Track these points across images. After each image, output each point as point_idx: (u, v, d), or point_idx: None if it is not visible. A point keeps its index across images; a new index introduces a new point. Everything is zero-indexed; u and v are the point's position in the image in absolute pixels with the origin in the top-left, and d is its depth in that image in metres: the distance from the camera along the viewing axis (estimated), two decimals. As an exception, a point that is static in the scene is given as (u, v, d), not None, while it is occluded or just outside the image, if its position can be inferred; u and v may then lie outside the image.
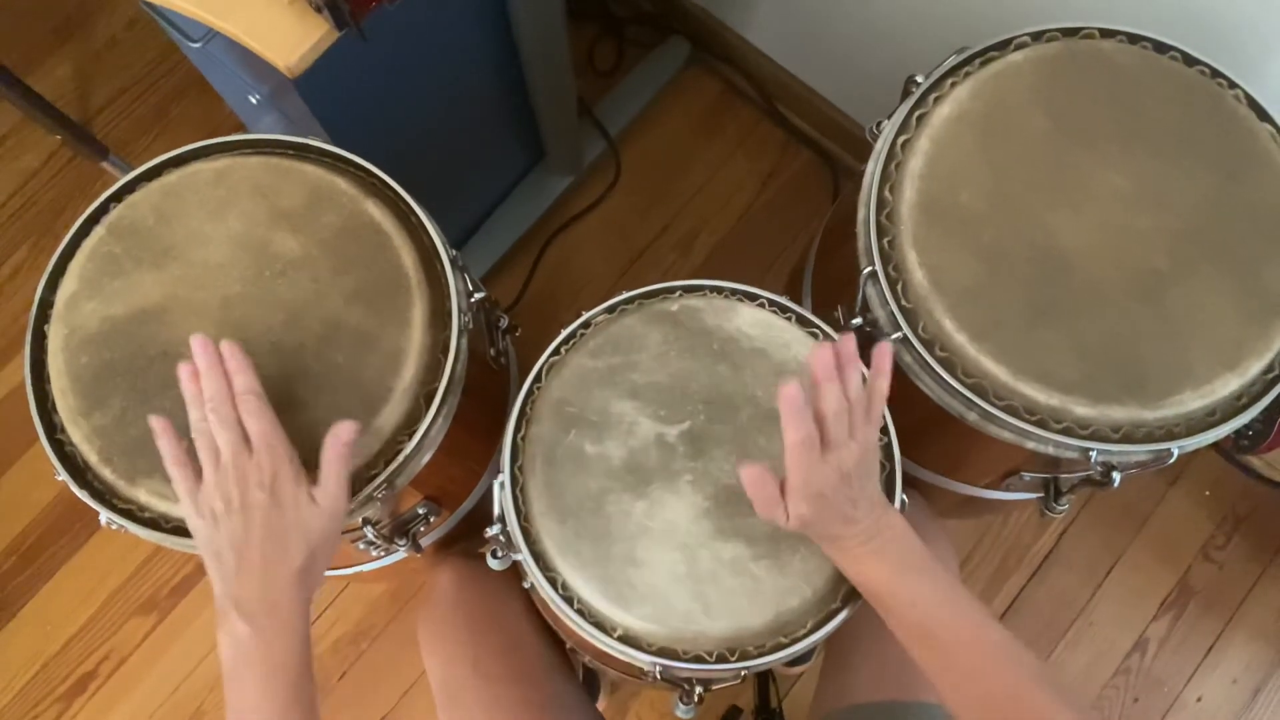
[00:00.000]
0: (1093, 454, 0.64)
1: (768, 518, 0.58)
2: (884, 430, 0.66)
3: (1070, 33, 0.71)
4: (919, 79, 0.72)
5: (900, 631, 0.58)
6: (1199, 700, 1.28)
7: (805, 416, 0.55)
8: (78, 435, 0.63)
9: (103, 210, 0.68)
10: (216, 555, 0.56)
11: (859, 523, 0.58)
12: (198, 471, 0.57)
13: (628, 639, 0.62)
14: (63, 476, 0.63)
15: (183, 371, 0.58)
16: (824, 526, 0.58)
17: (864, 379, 0.59)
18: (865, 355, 0.68)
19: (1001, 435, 0.66)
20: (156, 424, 0.57)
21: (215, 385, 0.57)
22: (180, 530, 0.63)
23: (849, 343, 0.59)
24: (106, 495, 0.63)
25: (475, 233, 1.37)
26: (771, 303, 0.70)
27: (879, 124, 0.73)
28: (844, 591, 0.63)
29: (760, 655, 0.62)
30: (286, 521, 0.55)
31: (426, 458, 0.66)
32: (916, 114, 0.70)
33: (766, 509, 0.58)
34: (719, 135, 1.48)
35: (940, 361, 0.65)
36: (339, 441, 0.57)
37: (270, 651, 0.54)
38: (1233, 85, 0.70)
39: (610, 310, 0.70)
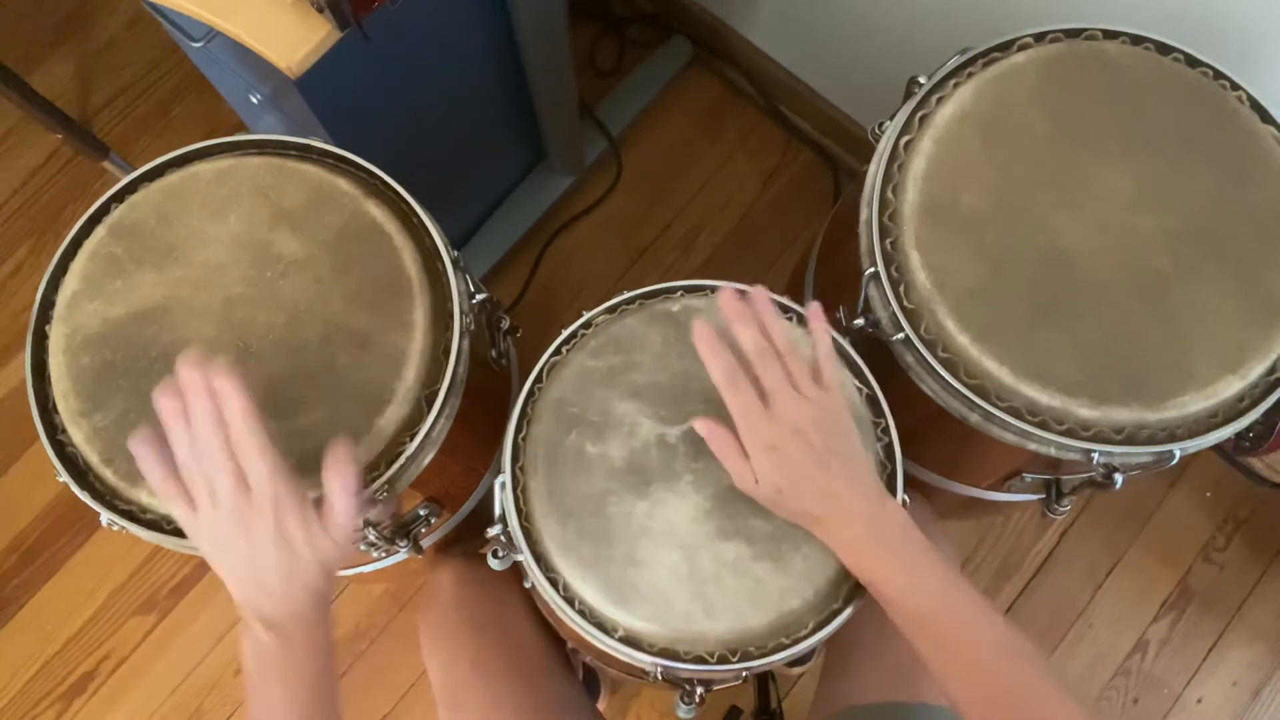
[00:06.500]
0: (1095, 456, 0.64)
1: (741, 483, 0.59)
2: (885, 430, 0.66)
3: (1073, 34, 0.71)
4: (921, 79, 0.71)
5: (903, 623, 0.57)
6: (1199, 701, 1.28)
7: (720, 350, 0.56)
8: (79, 436, 0.63)
9: (104, 210, 0.68)
10: (230, 571, 0.55)
11: (847, 505, 0.57)
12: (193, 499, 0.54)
13: (629, 640, 0.62)
14: (64, 478, 0.63)
15: (162, 401, 0.52)
16: (801, 499, 0.58)
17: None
18: (865, 355, 0.68)
19: (1003, 437, 0.66)
20: (139, 448, 0.53)
21: (201, 423, 0.52)
22: (182, 532, 0.63)
23: (761, 292, 0.60)
24: (108, 497, 0.63)
25: (476, 233, 1.37)
26: (773, 302, 0.70)
27: (881, 124, 0.73)
28: (846, 592, 0.63)
29: (762, 656, 0.62)
30: (297, 556, 0.54)
31: (428, 459, 0.66)
32: (919, 115, 0.70)
33: (734, 466, 0.58)
34: (720, 135, 1.48)
35: (943, 363, 0.65)
36: (341, 470, 0.54)
37: (292, 653, 0.55)
38: (1235, 87, 0.70)
39: (611, 310, 0.70)
